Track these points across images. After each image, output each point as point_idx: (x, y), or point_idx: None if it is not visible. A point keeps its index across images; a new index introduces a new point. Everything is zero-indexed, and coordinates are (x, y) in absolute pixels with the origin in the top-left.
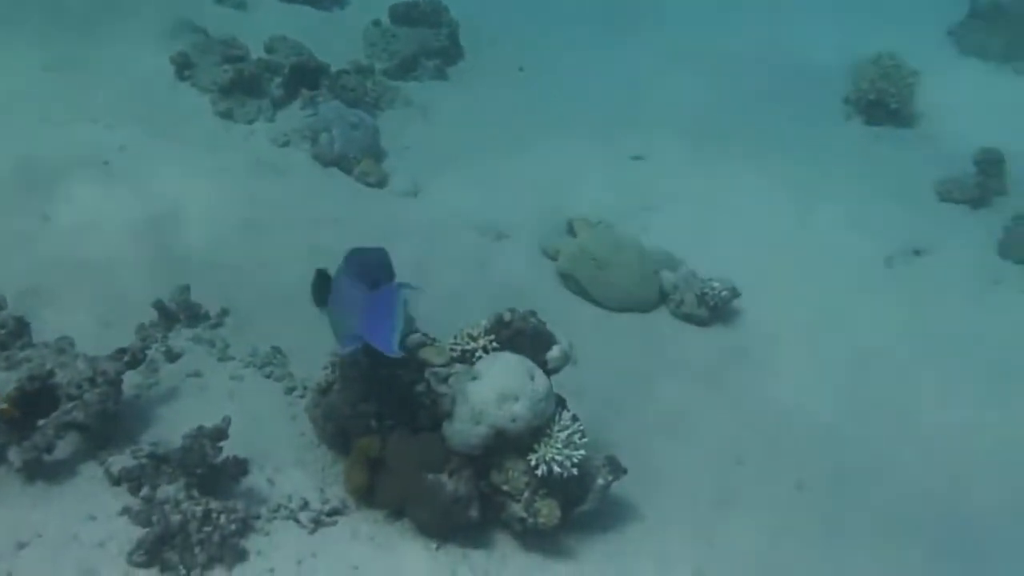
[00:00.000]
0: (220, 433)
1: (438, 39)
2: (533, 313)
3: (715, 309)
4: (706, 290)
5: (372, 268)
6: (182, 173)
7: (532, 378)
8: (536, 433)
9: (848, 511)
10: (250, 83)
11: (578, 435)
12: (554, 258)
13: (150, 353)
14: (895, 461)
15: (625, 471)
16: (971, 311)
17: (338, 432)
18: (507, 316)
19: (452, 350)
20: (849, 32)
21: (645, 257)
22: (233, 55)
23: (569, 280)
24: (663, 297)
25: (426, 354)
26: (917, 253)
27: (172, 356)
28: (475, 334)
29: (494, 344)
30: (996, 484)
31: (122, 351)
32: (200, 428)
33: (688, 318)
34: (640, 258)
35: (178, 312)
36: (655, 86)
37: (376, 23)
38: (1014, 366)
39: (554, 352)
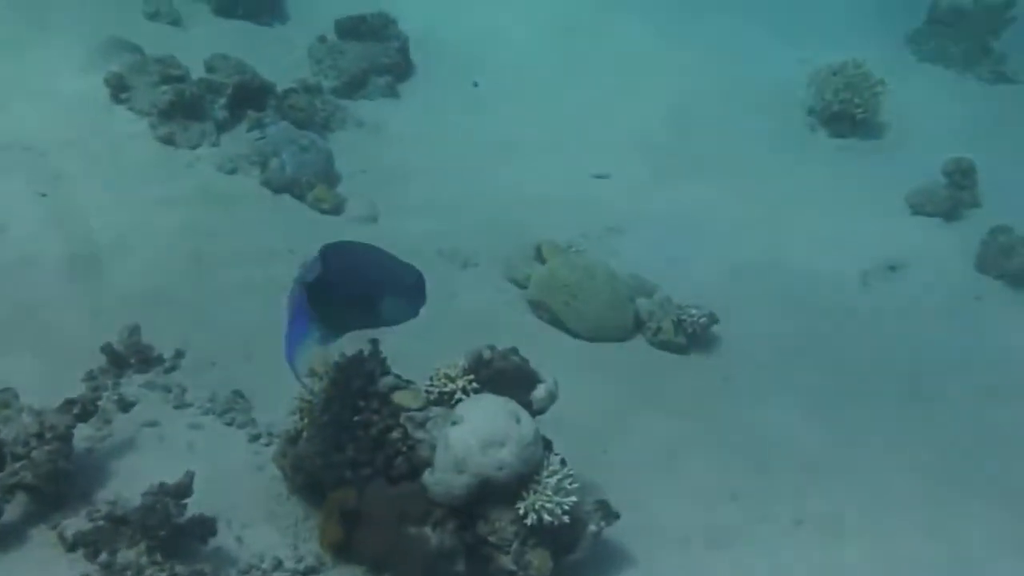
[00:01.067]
0: (183, 490)
1: (388, 54)
2: (515, 350)
3: (693, 336)
4: (683, 317)
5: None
6: (123, 204)
7: (518, 421)
8: (524, 480)
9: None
10: (191, 105)
11: (568, 480)
12: (523, 285)
13: (101, 403)
14: None
15: (617, 516)
16: (954, 329)
17: (310, 483)
18: (487, 354)
19: (428, 392)
20: (805, 42)
21: (618, 283)
22: (172, 75)
23: (540, 309)
24: (639, 325)
25: (401, 398)
26: (892, 269)
27: (125, 405)
28: (453, 374)
29: (474, 385)
30: None
31: (71, 402)
32: (161, 485)
33: (666, 346)
34: (613, 285)
35: (128, 356)
36: (614, 102)
37: (322, 39)
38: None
39: (540, 392)
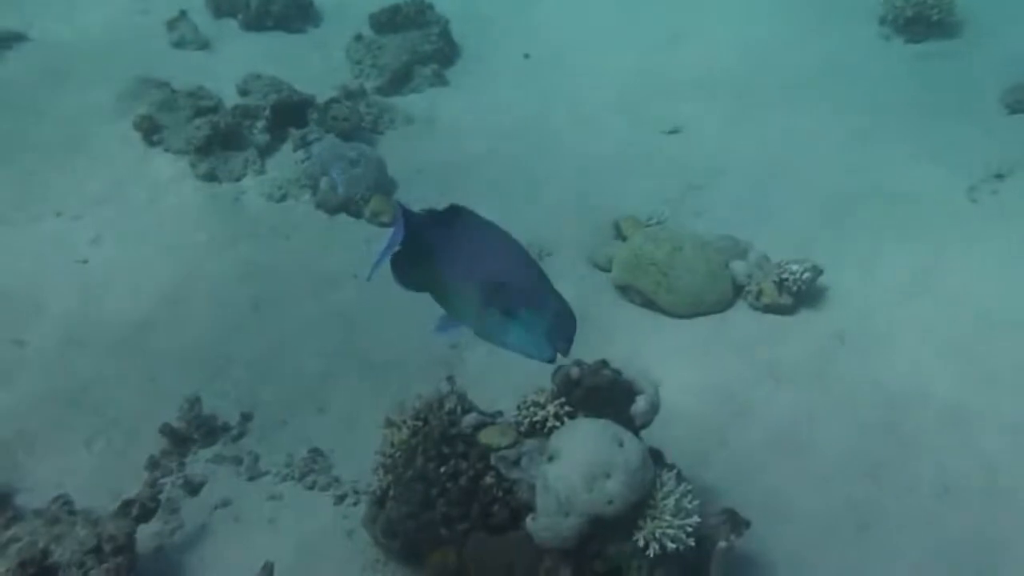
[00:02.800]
0: None
1: (429, 41)
2: (605, 363)
3: (799, 294)
4: (785, 275)
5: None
6: (169, 257)
7: (621, 445)
8: (638, 507)
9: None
10: (229, 135)
11: (687, 498)
12: (607, 269)
13: (165, 491)
14: None
15: (748, 524)
16: None
17: (406, 546)
18: (575, 373)
19: (518, 424)
20: None
21: (709, 250)
22: (204, 107)
23: (630, 292)
24: (738, 291)
25: (488, 437)
26: (1000, 177)
27: (193, 487)
28: (542, 400)
29: (566, 408)
30: None
31: (128, 503)
32: None
33: (771, 309)
34: (704, 252)
35: (190, 431)
36: (673, 51)
37: (358, 37)
38: None
39: (640, 405)
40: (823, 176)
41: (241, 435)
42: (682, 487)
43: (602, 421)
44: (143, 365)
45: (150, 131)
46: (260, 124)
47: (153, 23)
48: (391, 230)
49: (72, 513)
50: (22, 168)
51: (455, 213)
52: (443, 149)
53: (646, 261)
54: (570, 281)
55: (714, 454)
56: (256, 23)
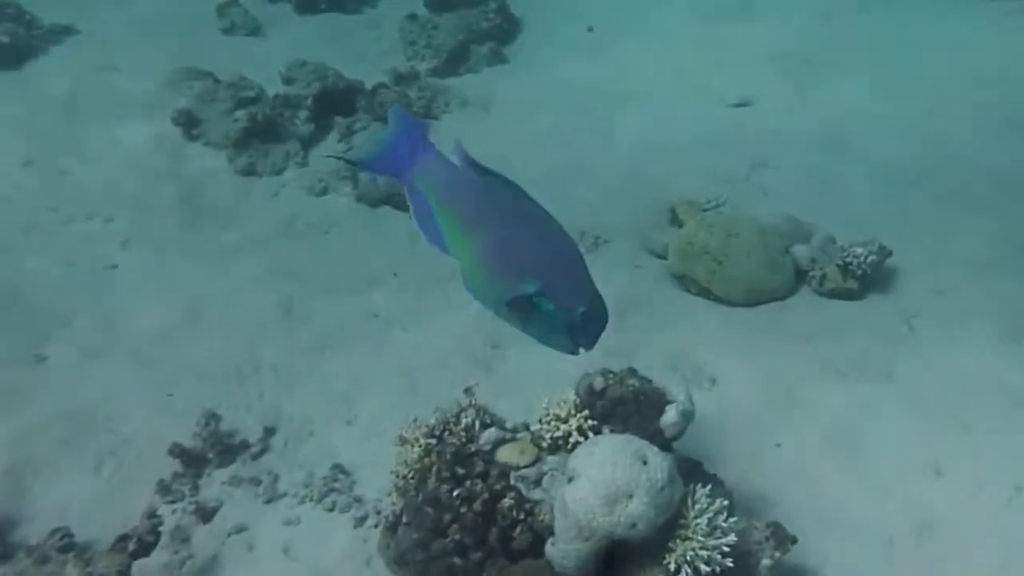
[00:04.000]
0: None
1: (486, 17)
2: (633, 371)
3: (865, 277)
4: (849, 259)
5: None
6: (199, 261)
7: (645, 463)
8: (667, 528)
9: None
10: (268, 127)
11: (723, 515)
12: (663, 256)
13: (176, 516)
14: None
15: (795, 540)
16: None
17: None
18: (598, 383)
19: (540, 439)
20: None
21: (769, 234)
22: (245, 98)
23: (686, 280)
24: (802, 276)
25: (507, 455)
26: None
27: (206, 513)
28: (563, 413)
29: (590, 422)
30: None
31: (124, 538)
32: None
33: (836, 294)
34: (763, 237)
35: (205, 449)
36: (746, 16)
37: (412, 17)
38: None
39: (669, 416)
40: (895, 147)
41: (262, 452)
42: (717, 503)
43: (624, 436)
44: (162, 377)
45: (189, 125)
46: (303, 114)
47: (206, 10)
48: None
49: (68, 549)
50: (57, 168)
51: (502, 183)
52: (499, 132)
53: (699, 249)
54: (625, 270)
55: (766, 457)
56: (309, 5)
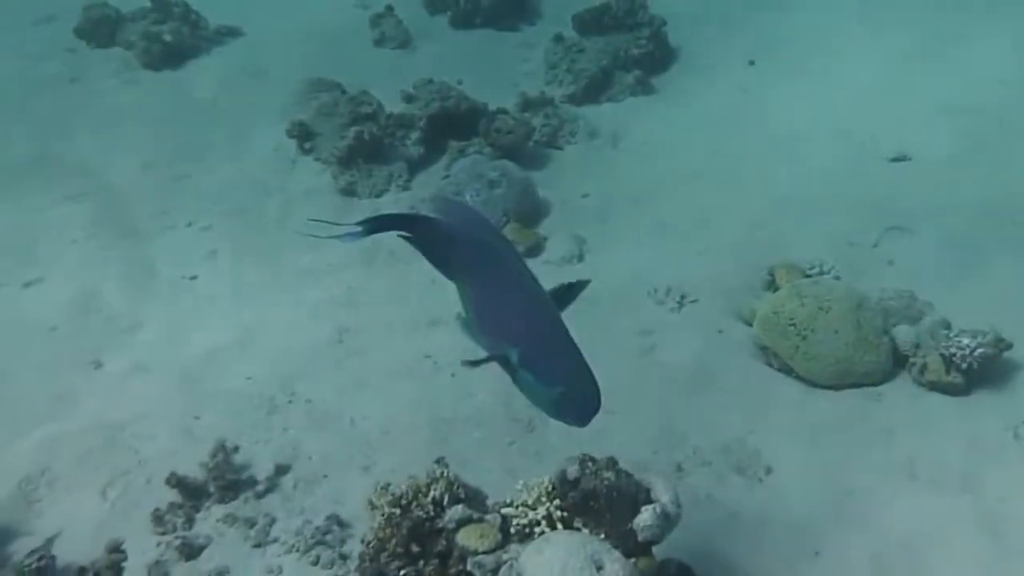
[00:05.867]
0: None
1: (638, 44)
2: (613, 462)
3: (972, 372)
4: (952, 349)
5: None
6: (272, 278)
7: (600, 568)
8: None
9: None
10: (375, 147)
11: None
12: (751, 323)
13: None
14: None
15: None
16: None
17: None
18: (572, 472)
19: (507, 524)
20: None
21: (866, 310)
22: (361, 114)
23: (768, 353)
24: (903, 361)
25: (465, 537)
26: None
27: (192, 551)
28: (531, 499)
29: (560, 513)
30: None
31: (83, 571)
32: None
33: (936, 388)
34: (857, 313)
35: (208, 483)
36: (925, 63)
37: (558, 38)
38: None
39: (645, 517)
40: None
41: (268, 491)
42: None
43: (580, 536)
44: (197, 399)
45: (303, 138)
46: (414, 135)
47: (365, 19)
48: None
49: (43, 572)
50: (177, 173)
51: (490, 251)
52: (620, 170)
53: (785, 320)
54: (704, 336)
55: (801, 569)
56: (464, 20)
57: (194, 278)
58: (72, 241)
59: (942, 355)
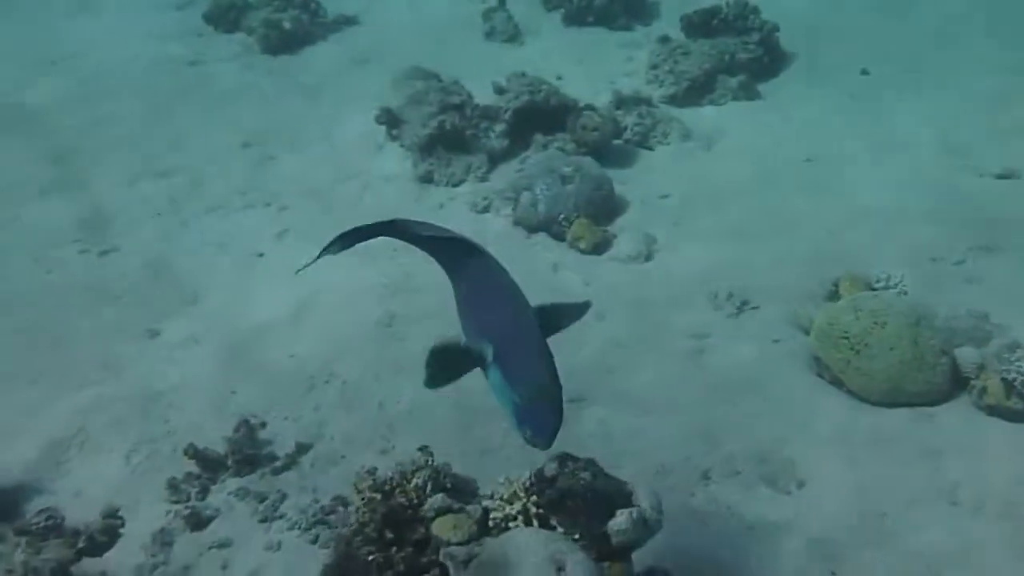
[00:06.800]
0: None
1: (746, 48)
2: (591, 463)
3: None
4: (1012, 374)
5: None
6: (331, 264)
7: (561, 568)
8: None
9: None
10: (457, 137)
11: None
12: (808, 333)
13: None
14: None
15: None
16: None
17: None
18: (550, 469)
19: (485, 517)
20: None
21: (923, 331)
22: (450, 104)
23: (821, 365)
24: (963, 383)
25: (439, 527)
26: None
27: (200, 521)
28: (508, 494)
29: (537, 509)
30: None
31: (76, 533)
32: None
33: (995, 412)
34: (913, 331)
35: (227, 457)
36: None
37: (664, 39)
38: None
39: (619, 521)
40: None
41: (285, 468)
42: None
43: (544, 535)
44: (238, 373)
45: (391, 125)
46: (499, 127)
47: (478, 13)
48: None
49: (50, 531)
50: (268, 153)
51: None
52: (705, 174)
53: (839, 332)
54: (759, 343)
55: None
56: (577, 18)
57: (261, 255)
58: (156, 214)
59: (1003, 379)
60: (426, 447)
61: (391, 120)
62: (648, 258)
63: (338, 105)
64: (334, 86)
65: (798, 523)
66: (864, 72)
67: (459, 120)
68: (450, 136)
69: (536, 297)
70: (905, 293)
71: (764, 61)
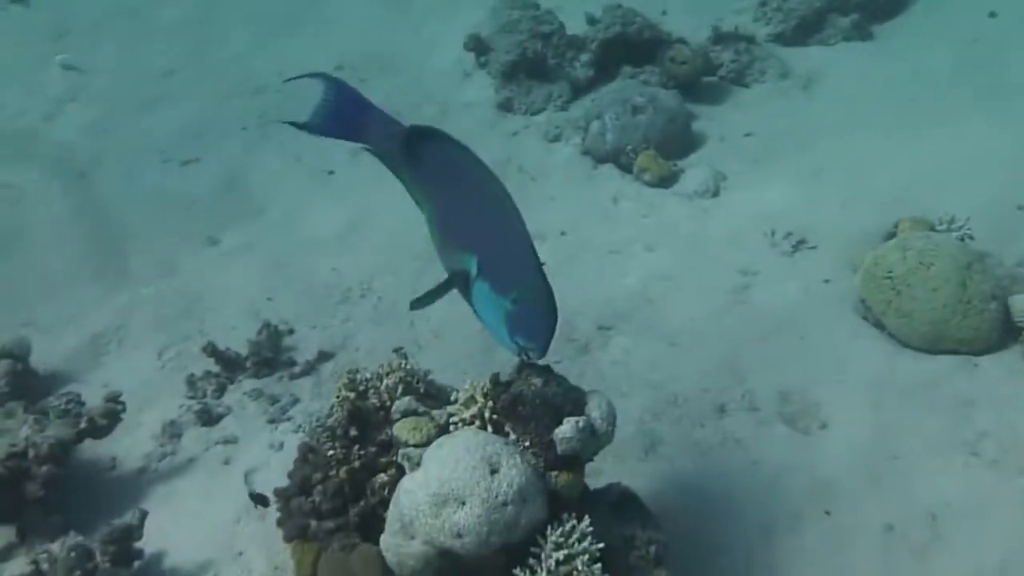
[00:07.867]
0: (128, 533)
1: None
2: (547, 369)
3: None
4: None
5: None
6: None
7: (494, 471)
8: (512, 551)
9: None
10: (538, 65)
11: (585, 558)
12: None
13: (182, 413)
14: None
15: None
16: None
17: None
18: (509, 376)
19: (444, 420)
20: None
21: (973, 274)
22: (540, 32)
23: (865, 307)
24: (1015, 333)
25: (401, 429)
26: None
27: (209, 418)
28: (465, 398)
29: (492, 415)
30: None
31: (78, 416)
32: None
33: None
34: (962, 274)
35: (248, 358)
36: None
37: None
38: None
39: (564, 429)
40: None
41: (304, 374)
42: (585, 543)
43: (483, 436)
44: (279, 281)
45: (479, 52)
46: (584, 57)
47: None
48: None
49: (66, 413)
50: (361, 76)
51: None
52: (795, 114)
53: (882, 272)
54: (806, 283)
55: (806, 527)
56: None
57: (331, 173)
58: (242, 128)
59: None
60: (400, 348)
61: (479, 47)
62: (715, 194)
63: (438, 32)
64: (440, 14)
65: (806, 463)
66: (992, 14)
67: (542, 47)
68: (532, 63)
69: (591, 228)
70: (971, 238)
71: (880, 1)
